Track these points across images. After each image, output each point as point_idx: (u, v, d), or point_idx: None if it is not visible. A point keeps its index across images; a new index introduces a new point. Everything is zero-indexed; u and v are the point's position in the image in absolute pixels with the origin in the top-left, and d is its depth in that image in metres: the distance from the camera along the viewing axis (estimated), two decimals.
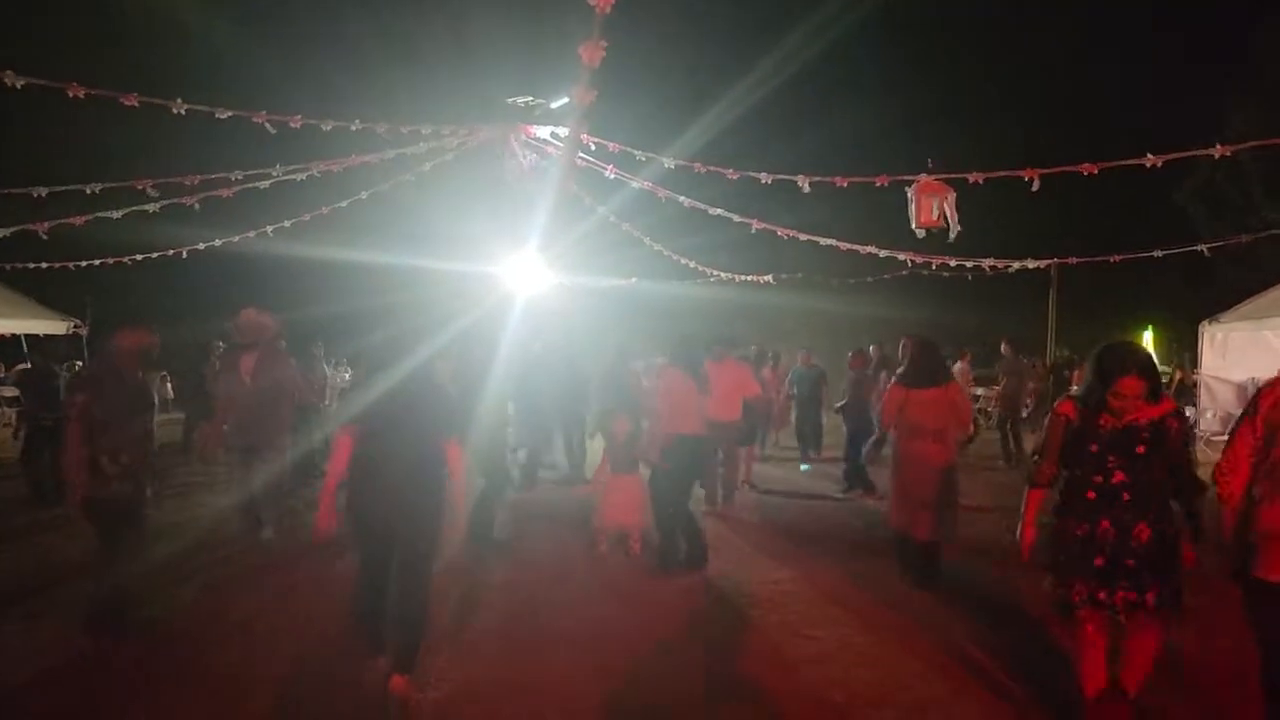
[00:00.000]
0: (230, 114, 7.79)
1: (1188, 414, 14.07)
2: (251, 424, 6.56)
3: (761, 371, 11.29)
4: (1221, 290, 16.12)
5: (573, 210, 11.87)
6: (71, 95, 6.85)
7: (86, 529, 4.66)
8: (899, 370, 6.11)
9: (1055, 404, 3.71)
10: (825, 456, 11.56)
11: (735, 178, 8.92)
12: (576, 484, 9.36)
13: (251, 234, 11.91)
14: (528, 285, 11.09)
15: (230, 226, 11.78)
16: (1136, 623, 3.46)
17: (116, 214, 9.87)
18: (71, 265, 12.69)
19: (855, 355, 9.92)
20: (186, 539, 6.69)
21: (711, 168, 8.93)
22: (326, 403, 10.48)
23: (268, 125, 8.06)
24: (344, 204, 11.53)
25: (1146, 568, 3.38)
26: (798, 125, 25.74)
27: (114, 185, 8.89)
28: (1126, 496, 3.41)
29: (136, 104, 7.21)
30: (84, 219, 9.88)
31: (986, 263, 12.90)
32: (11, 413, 15.35)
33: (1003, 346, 12.61)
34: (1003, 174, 7.58)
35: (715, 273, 15.87)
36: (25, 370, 9.54)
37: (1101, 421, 3.45)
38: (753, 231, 10.83)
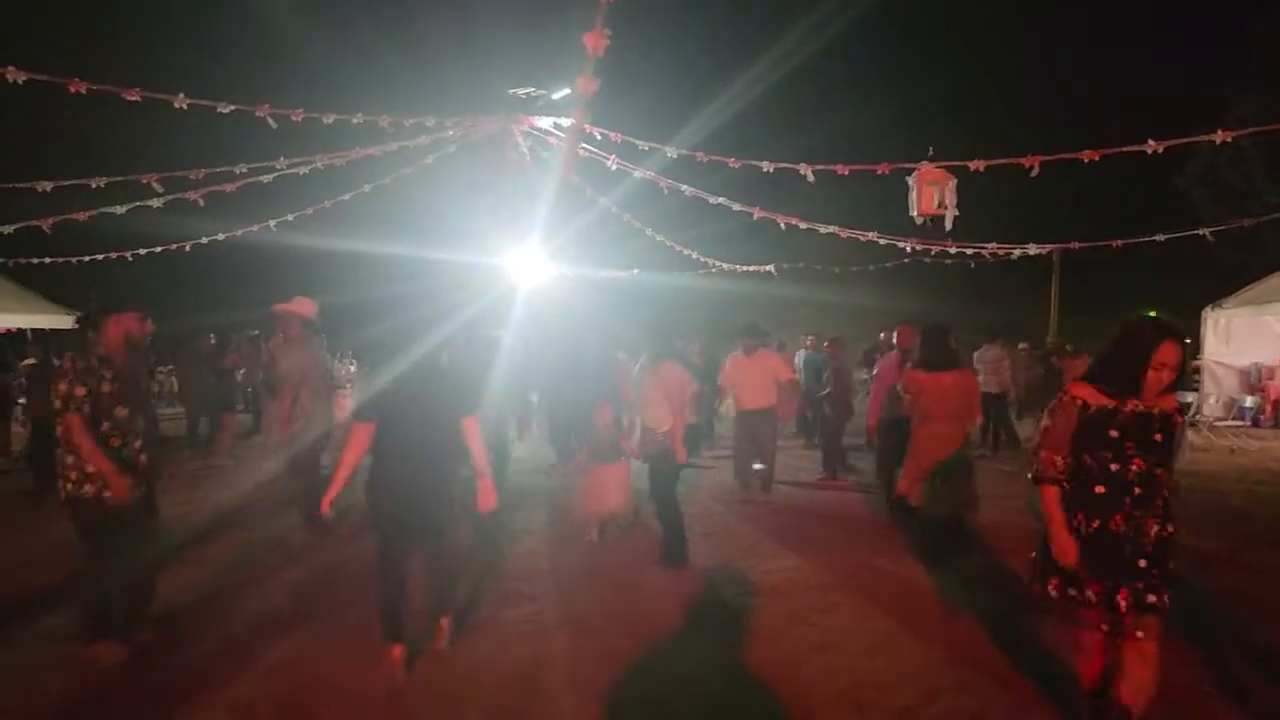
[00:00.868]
0: (232, 108, 7.81)
1: (1189, 400, 14.16)
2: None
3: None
4: (1224, 275, 16.11)
5: (574, 201, 11.90)
6: (73, 91, 6.87)
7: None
8: (917, 355, 6.24)
9: (1065, 387, 3.40)
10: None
11: (737, 166, 8.94)
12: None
13: (255, 227, 11.96)
14: (529, 277, 11.13)
15: (234, 220, 11.81)
16: (1144, 626, 3.20)
17: (120, 209, 9.91)
18: (74, 260, 12.75)
19: (831, 342, 10.33)
20: (196, 532, 6.75)
21: (714, 156, 8.95)
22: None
23: (269, 119, 8.08)
24: (347, 197, 11.57)
25: (1154, 566, 3.18)
26: (799, 117, 25.70)
27: (118, 179, 8.91)
28: (1138, 490, 3.19)
29: (139, 99, 7.24)
30: (88, 215, 9.92)
31: (988, 248, 12.91)
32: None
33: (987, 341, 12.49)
34: (1004, 161, 7.59)
35: (717, 263, 15.90)
36: (32, 365, 9.59)
37: (1128, 405, 3.19)
38: (754, 219, 10.85)
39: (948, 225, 8.74)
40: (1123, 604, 3.17)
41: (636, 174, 10.36)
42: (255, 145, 9.39)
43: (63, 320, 13.65)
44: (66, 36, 23.45)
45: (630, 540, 6.68)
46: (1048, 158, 7.41)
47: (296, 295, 7.03)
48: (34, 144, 19.15)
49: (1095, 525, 3.22)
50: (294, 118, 8.23)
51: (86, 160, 8.84)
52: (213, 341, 11.96)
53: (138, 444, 4.33)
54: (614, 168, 10.11)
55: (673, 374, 6.18)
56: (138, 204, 9.81)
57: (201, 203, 9.73)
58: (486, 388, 6.60)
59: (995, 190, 9.75)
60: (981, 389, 7.53)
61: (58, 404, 4.13)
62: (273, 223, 11.84)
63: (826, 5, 22.83)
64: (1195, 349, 16.10)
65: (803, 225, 11.45)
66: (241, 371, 13.30)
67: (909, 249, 12.75)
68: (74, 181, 8.70)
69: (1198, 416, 13.58)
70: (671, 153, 9.29)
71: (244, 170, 9.37)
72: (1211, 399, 14.35)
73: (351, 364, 14.82)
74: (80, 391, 4.12)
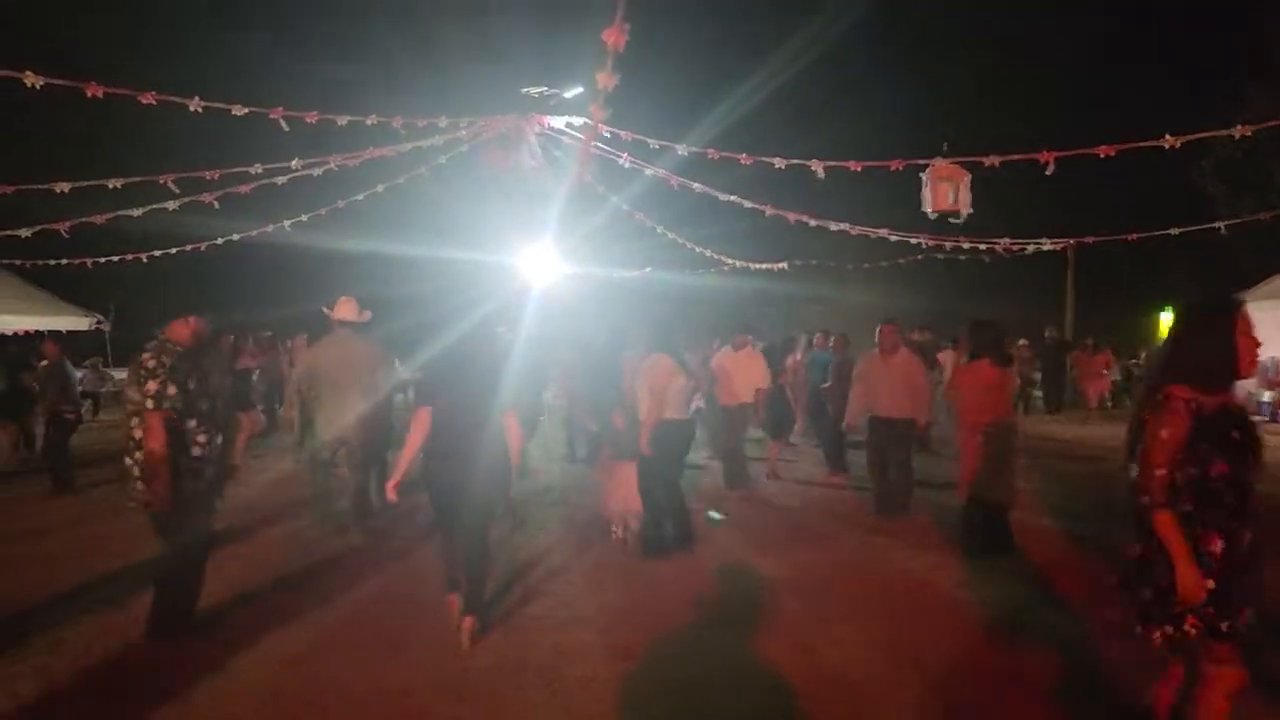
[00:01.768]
0: (247, 110, 7.84)
1: None
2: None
3: (788, 359, 11.41)
4: (1241, 270, 15.96)
5: (586, 200, 11.91)
6: (90, 95, 6.93)
7: (128, 522, 4.70)
8: (973, 350, 6.29)
9: (1165, 391, 2.88)
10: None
11: (749, 163, 8.91)
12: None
13: (270, 228, 12.03)
14: (542, 275, 11.14)
15: (249, 220, 11.88)
16: (1235, 649, 2.84)
17: (137, 212, 9.98)
18: (89, 262, 12.84)
19: (837, 338, 10.47)
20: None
21: (725, 154, 8.92)
22: None
23: (282, 122, 8.12)
24: (360, 197, 11.62)
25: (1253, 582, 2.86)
26: (810, 115, 25.56)
27: (135, 180, 8.97)
28: (1246, 495, 2.82)
29: (154, 102, 7.28)
30: (104, 218, 10.00)
31: (1002, 244, 12.82)
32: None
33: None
34: (1019, 157, 7.52)
35: (729, 261, 15.88)
36: (45, 365, 9.68)
37: (1225, 400, 2.86)
38: (766, 215, 10.83)
39: (961, 219, 8.71)
40: (1242, 629, 2.83)
41: (648, 172, 10.36)
42: (270, 146, 9.43)
43: (79, 322, 13.76)
44: (82, 41, 23.65)
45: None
46: (1064, 153, 7.33)
47: (341, 296, 6.99)
48: (51, 146, 19.31)
49: (1225, 544, 2.80)
50: (308, 120, 8.25)
51: (103, 164, 8.87)
52: (233, 341, 12.03)
53: (219, 438, 4.41)
54: (626, 165, 10.12)
55: (658, 366, 6.23)
56: (154, 206, 9.88)
57: (216, 205, 9.79)
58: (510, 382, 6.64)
59: (1008, 186, 9.69)
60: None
61: (148, 403, 4.07)
62: (287, 223, 11.90)
63: (837, 2, 22.71)
64: None
65: (812, 222, 11.41)
66: (256, 371, 13.39)
67: (922, 245, 12.70)
68: (92, 182, 8.76)
69: None
70: (683, 150, 9.27)
71: (259, 170, 9.41)
72: None
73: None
74: (173, 390, 4.10)
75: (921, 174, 8.23)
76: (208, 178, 9.33)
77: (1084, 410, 16.24)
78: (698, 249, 14.61)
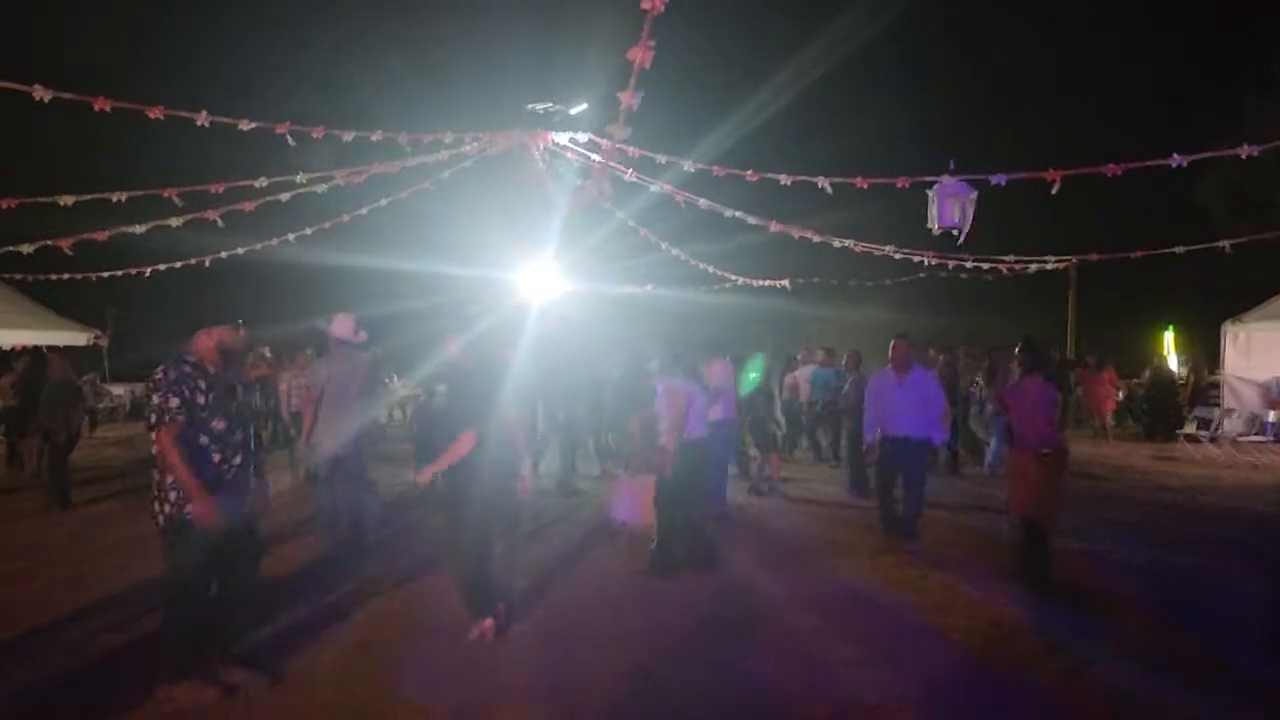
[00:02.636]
0: (254, 125, 7.86)
1: (1211, 417, 13.99)
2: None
3: (786, 378, 11.37)
4: (1244, 289, 15.94)
5: (589, 215, 11.90)
6: (98, 109, 6.94)
7: (125, 538, 4.62)
8: (1025, 368, 6.21)
9: None
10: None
11: (754, 179, 8.93)
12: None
13: (274, 241, 12.02)
14: (544, 291, 11.12)
15: (253, 234, 11.88)
16: None
17: (140, 229, 9.98)
18: (93, 276, 12.83)
19: (850, 355, 10.22)
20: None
21: (731, 170, 8.94)
22: None
23: (289, 138, 8.14)
24: (364, 211, 11.63)
25: None
26: (815, 132, 25.66)
27: (139, 193, 8.97)
28: None
29: (161, 116, 7.29)
30: (107, 234, 10.00)
31: (1005, 262, 12.83)
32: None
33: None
34: (1025, 175, 7.54)
35: (732, 277, 15.87)
36: (52, 382, 9.62)
37: None
38: (770, 230, 10.84)
39: (960, 239, 8.73)
40: None
41: (653, 188, 10.37)
42: (275, 159, 9.45)
43: (77, 337, 13.75)
44: (91, 55, 23.77)
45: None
46: (1070, 171, 7.35)
47: (338, 313, 6.98)
48: (56, 159, 19.37)
49: None
50: (314, 135, 8.28)
51: (108, 183, 8.85)
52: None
53: (237, 459, 4.03)
54: (631, 180, 10.13)
55: (673, 393, 6.19)
56: (156, 223, 9.88)
57: (220, 222, 9.79)
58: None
59: (1011, 204, 9.70)
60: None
61: (152, 418, 3.83)
62: (291, 236, 11.91)
63: (845, 19, 22.85)
64: (1215, 364, 15.93)
65: (816, 239, 11.43)
66: (257, 386, 13.31)
67: (926, 263, 12.69)
68: (96, 195, 8.75)
69: (1219, 432, 13.42)
70: (689, 166, 9.28)
71: (264, 184, 9.42)
72: (1233, 414, 14.18)
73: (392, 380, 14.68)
74: (173, 403, 3.82)
75: (928, 190, 8.25)
76: (212, 191, 9.33)
77: (1090, 428, 16.16)
78: (701, 265, 14.61)
